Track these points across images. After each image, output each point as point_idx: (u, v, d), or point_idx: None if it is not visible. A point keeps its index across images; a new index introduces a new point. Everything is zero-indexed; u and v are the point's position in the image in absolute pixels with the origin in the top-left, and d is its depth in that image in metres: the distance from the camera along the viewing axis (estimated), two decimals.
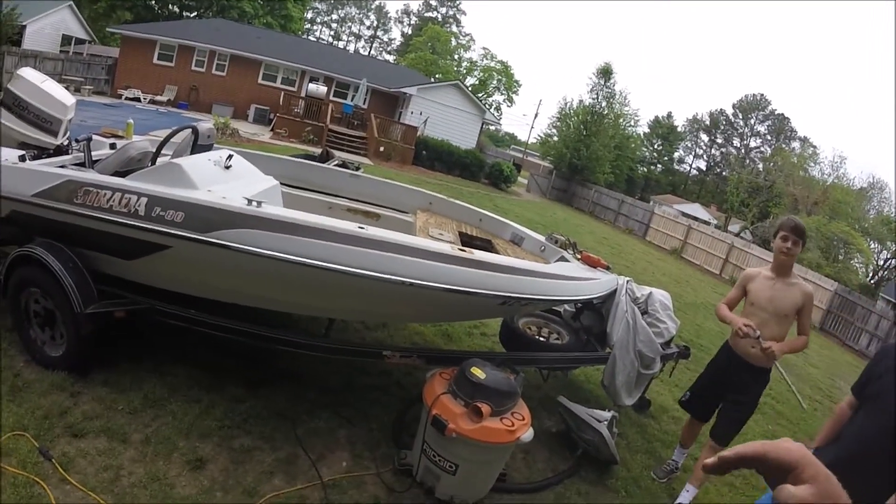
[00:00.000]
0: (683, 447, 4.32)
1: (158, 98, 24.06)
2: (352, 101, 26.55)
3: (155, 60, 25.29)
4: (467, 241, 4.54)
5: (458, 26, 63.57)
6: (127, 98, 23.35)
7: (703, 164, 63.87)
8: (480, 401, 2.93)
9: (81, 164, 4.10)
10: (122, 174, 3.66)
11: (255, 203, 3.05)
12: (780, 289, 3.57)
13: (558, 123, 33.34)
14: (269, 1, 39.29)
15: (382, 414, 3.92)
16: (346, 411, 3.83)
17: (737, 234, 29.33)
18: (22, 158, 3.71)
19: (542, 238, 4.90)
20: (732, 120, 61.75)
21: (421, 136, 24.73)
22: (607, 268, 4.48)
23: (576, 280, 3.80)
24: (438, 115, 26.88)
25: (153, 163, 3.86)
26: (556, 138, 33.17)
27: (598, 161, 30.95)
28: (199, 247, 2.98)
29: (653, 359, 4.37)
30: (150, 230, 3.05)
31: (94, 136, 4.71)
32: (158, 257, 3.19)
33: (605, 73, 31.19)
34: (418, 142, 24.20)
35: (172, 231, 3.01)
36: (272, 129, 22.04)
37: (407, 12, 71.15)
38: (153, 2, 35.55)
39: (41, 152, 4.12)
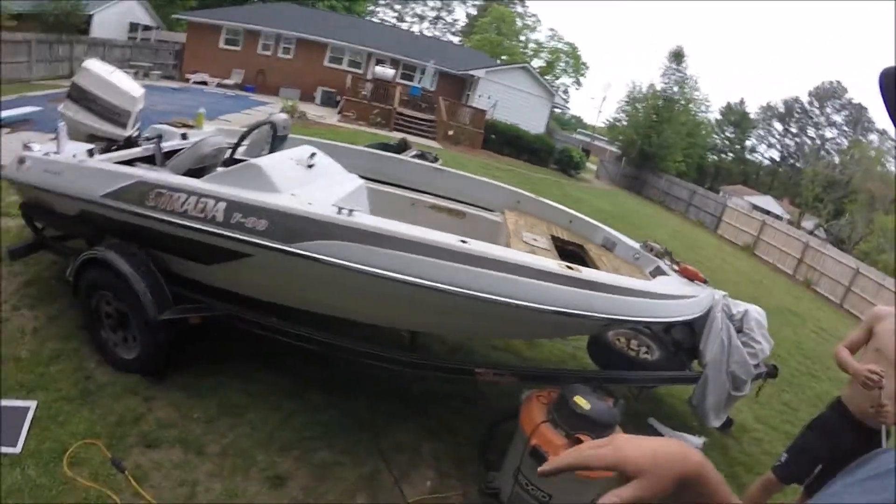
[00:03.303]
0: None
1: (226, 82, 24.36)
2: (419, 83, 26.20)
3: (221, 45, 25.70)
4: (560, 245, 4.23)
5: (522, 6, 62.23)
6: (195, 82, 23.81)
7: (776, 154, 60.90)
8: (582, 433, 2.67)
9: (152, 159, 4.00)
10: (195, 172, 3.52)
11: (345, 211, 2.84)
12: None
13: (627, 108, 32.27)
14: None
15: (466, 426, 3.70)
16: (430, 423, 3.65)
17: (811, 232, 27.81)
18: (90, 153, 3.62)
19: (635, 245, 4.52)
20: (808, 108, 58.51)
21: (490, 120, 24.18)
22: (704, 281, 4.10)
23: (678, 299, 3.44)
24: (507, 99, 26.15)
25: (230, 161, 3.71)
26: (624, 123, 32.13)
27: (669, 149, 29.77)
28: (285, 258, 2.80)
29: (745, 381, 4.06)
30: (230, 238, 2.89)
31: (165, 126, 4.63)
32: (237, 264, 3.04)
33: (678, 56, 30.11)
34: (487, 126, 23.66)
35: (255, 240, 2.84)
36: (340, 112, 21.93)
37: None
38: None
39: (110, 144, 4.05)
